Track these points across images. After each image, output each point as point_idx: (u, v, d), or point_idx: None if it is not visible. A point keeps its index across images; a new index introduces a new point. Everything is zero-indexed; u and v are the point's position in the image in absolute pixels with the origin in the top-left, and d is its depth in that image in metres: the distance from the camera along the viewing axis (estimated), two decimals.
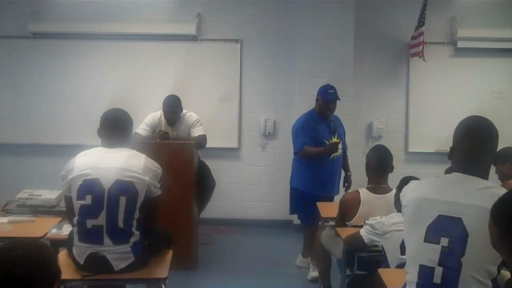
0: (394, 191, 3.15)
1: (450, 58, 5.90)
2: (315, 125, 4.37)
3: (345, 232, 3.11)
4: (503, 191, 1.87)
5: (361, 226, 2.93)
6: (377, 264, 2.82)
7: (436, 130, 5.61)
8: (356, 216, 3.21)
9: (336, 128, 4.42)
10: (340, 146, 4.33)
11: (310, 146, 4.32)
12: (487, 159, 2.01)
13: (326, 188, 4.40)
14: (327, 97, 4.35)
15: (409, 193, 2.08)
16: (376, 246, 2.83)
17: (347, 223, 3.28)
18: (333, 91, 4.38)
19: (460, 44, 5.81)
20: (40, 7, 5.79)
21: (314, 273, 4.22)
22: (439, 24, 5.84)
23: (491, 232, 1.57)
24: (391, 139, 5.85)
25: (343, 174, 4.64)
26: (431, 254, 1.90)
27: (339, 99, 4.41)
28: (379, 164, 3.32)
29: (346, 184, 4.59)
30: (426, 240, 1.92)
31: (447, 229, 1.89)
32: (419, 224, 1.96)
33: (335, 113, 4.49)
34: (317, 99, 4.46)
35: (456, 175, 2.01)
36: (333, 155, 4.30)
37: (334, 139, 4.33)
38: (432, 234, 1.91)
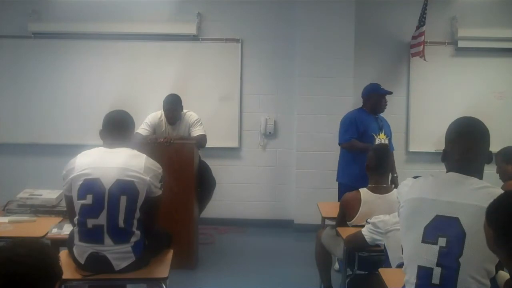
0: (395, 191, 3.15)
1: (450, 58, 5.90)
2: (365, 120, 4.48)
3: (346, 232, 3.11)
4: (499, 191, 1.87)
5: (362, 226, 2.93)
6: (378, 263, 2.82)
7: (436, 129, 5.57)
8: (356, 216, 3.21)
9: (383, 125, 4.52)
10: (386, 142, 4.41)
11: (358, 140, 4.42)
12: (482, 159, 2.02)
13: None
14: (383, 91, 4.49)
15: (405, 192, 2.08)
16: (377, 246, 2.83)
17: (347, 222, 3.27)
18: (383, 87, 4.54)
19: (461, 44, 5.82)
20: (40, 7, 5.79)
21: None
22: (439, 24, 5.84)
23: (486, 234, 1.57)
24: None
25: None
26: (429, 255, 1.90)
27: (391, 93, 4.54)
28: (379, 164, 3.33)
29: (393, 186, 4.48)
30: (424, 240, 1.92)
31: (444, 229, 1.89)
32: (416, 224, 1.96)
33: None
34: (369, 97, 4.53)
35: (452, 175, 2.01)
36: None
37: (381, 135, 4.44)
38: (430, 234, 1.91)
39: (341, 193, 4.51)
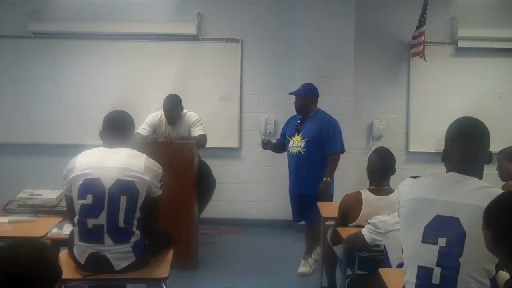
0: (396, 192, 3.13)
1: (450, 58, 5.91)
2: (290, 123, 4.62)
3: (347, 232, 3.10)
4: (499, 191, 1.87)
5: (363, 227, 2.92)
6: (378, 263, 2.82)
7: (436, 129, 5.58)
8: (359, 218, 3.17)
9: (303, 128, 4.38)
10: (299, 144, 4.33)
11: (278, 140, 4.74)
12: (482, 159, 2.02)
13: (292, 185, 4.52)
14: (292, 93, 4.53)
15: (405, 192, 2.08)
16: (377, 246, 2.82)
17: (349, 225, 3.23)
18: (300, 88, 4.51)
19: (461, 44, 5.82)
20: (40, 7, 5.80)
21: (303, 269, 4.44)
22: (439, 23, 5.84)
23: (484, 236, 1.57)
24: (391, 138, 5.87)
25: None
26: (429, 255, 1.90)
27: (297, 95, 4.45)
28: (382, 167, 3.27)
29: (320, 189, 4.29)
30: (424, 240, 1.92)
31: (444, 229, 1.89)
32: (416, 224, 1.96)
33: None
34: None
35: (452, 175, 2.01)
36: (290, 151, 4.43)
37: (296, 137, 4.39)
38: (430, 234, 1.91)
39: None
